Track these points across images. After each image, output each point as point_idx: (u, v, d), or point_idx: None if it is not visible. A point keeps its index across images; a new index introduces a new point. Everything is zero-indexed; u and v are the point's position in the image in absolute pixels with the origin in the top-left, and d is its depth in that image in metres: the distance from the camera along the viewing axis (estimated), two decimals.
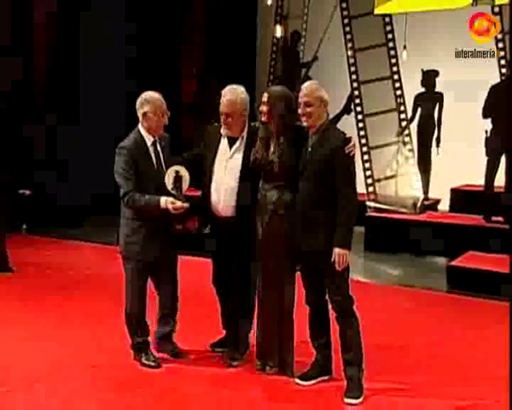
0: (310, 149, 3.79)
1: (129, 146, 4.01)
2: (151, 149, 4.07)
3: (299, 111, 3.81)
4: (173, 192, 3.89)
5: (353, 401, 3.68)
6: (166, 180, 3.91)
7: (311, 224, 3.75)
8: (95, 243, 7.79)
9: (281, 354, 4.01)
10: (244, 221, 4.01)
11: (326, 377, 3.93)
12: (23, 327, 4.81)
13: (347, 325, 3.76)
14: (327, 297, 3.85)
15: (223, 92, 4.08)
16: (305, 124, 3.82)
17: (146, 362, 4.10)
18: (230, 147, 4.10)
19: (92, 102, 8.99)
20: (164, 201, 3.88)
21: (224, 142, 4.14)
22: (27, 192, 8.33)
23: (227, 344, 4.29)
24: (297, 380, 3.90)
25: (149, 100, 4.03)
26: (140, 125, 4.08)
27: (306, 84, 3.90)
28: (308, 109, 3.75)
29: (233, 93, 4.04)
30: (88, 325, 4.88)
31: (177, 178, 3.90)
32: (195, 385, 3.87)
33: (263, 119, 3.95)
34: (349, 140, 3.72)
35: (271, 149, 3.91)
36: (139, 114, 4.05)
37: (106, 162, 8.82)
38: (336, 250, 3.65)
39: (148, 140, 4.06)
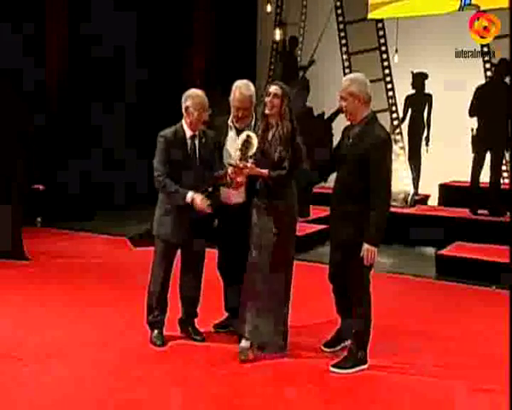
0: (350, 141, 3.75)
1: (166, 135, 4.08)
2: (189, 142, 4.08)
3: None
4: (238, 153, 3.84)
5: (336, 370, 3.76)
6: (238, 141, 3.91)
7: (344, 215, 3.72)
8: (105, 235, 7.82)
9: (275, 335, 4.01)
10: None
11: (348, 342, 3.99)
12: (37, 308, 4.89)
13: (357, 312, 3.81)
14: None
15: (235, 87, 4.12)
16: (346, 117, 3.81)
17: (153, 339, 4.16)
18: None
19: (102, 103, 9.02)
20: (190, 196, 3.94)
21: (231, 133, 4.18)
22: (40, 187, 8.36)
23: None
24: (322, 347, 4.06)
25: (192, 96, 4.06)
26: (183, 119, 4.12)
27: (346, 77, 3.89)
28: (343, 103, 3.74)
29: (246, 88, 4.10)
30: (97, 307, 4.95)
31: (246, 142, 3.85)
32: (200, 362, 3.93)
33: (268, 111, 3.91)
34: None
35: (269, 141, 3.92)
36: (182, 107, 4.10)
37: (117, 160, 9.00)
38: (365, 246, 3.62)
39: (188, 133, 4.09)
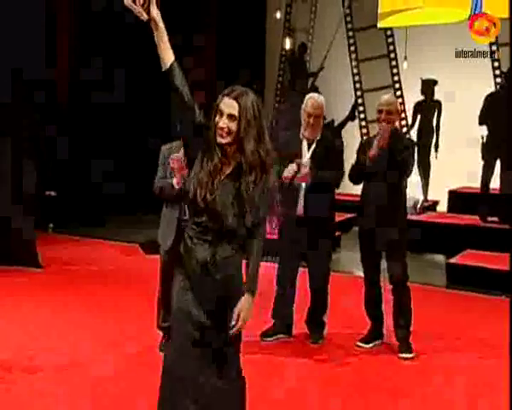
0: (386, 150, 4.10)
1: (165, 145, 4.12)
2: (181, 151, 4.13)
3: (381, 117, 4.13)
4: None
5: (408, 355, 4.18)
6: None
7: (387, 217, 4.16)
8: (116, 241, 7.87)
9: None
10: (318, 221, 4.21)
11: (379, 341, 4.43)
12: (51, 315, 4.92)
13: (403, 294, 4.26)
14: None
15: (308, 97, 4.31)
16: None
17: (159, 345, 4.14)
18: (308, 149, 4.28)
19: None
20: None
21: (304, 144, 4.29)
22: (53, 193, 8.40)
23: (310, 327, 4.49)
24: (358, 343, 4.39)
25: None
26: None
27: (388, 95, 4.41)
28: (391, 117, 4.21)
29: (318, 97, 4.33)
30: (111, 313, 4.99)
31: None
32: None
33: (223, 140, 2.35)
34: None
35: (222, 181, 2.38)
36: None
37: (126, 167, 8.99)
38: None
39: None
